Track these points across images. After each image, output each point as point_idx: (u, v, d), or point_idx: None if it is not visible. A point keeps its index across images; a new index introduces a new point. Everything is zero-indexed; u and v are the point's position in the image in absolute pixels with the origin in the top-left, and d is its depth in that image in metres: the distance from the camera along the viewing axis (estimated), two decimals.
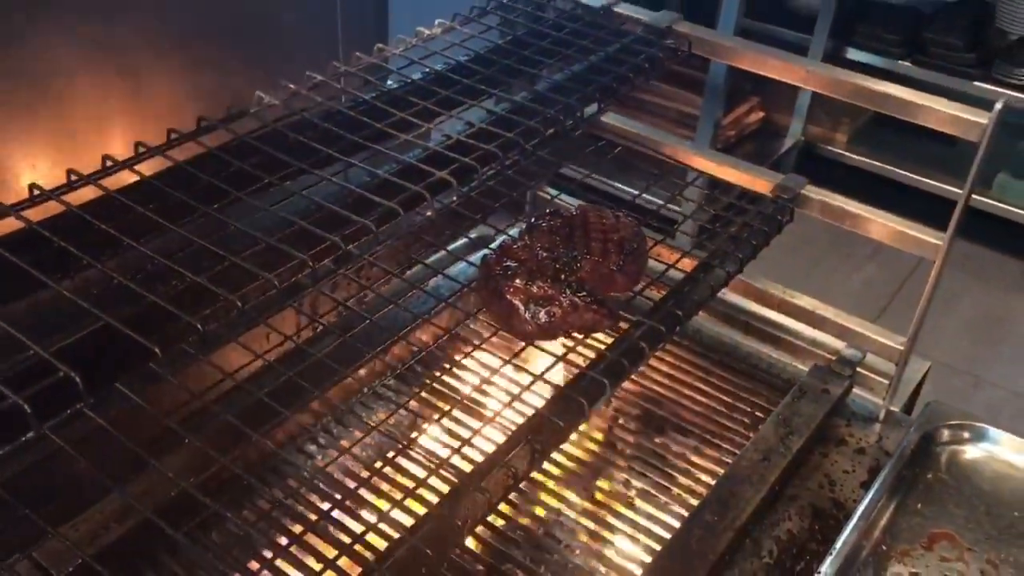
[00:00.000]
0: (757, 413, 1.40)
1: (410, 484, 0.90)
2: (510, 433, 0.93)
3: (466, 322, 1.11)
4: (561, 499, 1.26)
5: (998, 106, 1.09)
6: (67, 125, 1.11)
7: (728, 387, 1.44)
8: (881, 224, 1.26)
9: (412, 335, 1.35)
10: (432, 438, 1.26)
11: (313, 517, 1.00)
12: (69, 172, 0.92)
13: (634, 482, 1.29)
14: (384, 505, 0.92)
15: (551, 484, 1.27)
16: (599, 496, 1.26)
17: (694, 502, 1.26)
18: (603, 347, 1.02)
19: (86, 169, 0.93)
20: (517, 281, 1.01)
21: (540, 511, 1.23)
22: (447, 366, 1.42)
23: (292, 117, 1.05)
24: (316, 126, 1.04)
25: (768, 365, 1.46)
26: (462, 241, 1.44)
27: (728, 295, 1.45)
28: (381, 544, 0.89)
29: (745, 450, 1.24)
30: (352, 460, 1.25)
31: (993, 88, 3.17)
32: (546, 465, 1.28)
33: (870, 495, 1.12)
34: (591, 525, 1.22)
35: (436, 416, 1.29)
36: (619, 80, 1.19)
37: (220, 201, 0.91)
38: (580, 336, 1.03)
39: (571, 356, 1.02)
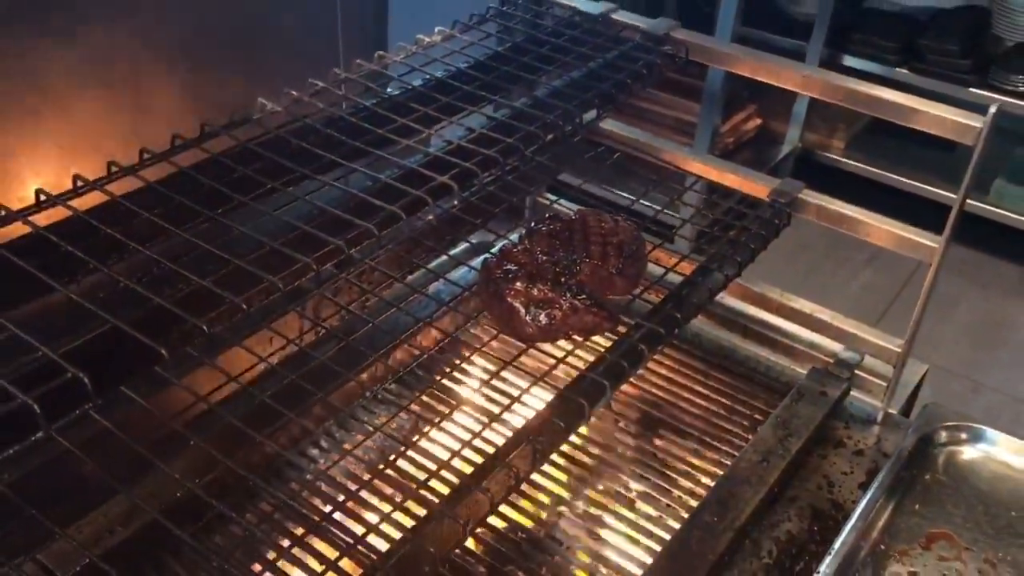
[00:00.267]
0: (756, 416, 1.41)
1: (412, 486, 0.91)
2: (511, 434, 0.94)
3: (467, 326, 1.12)
4: (562, 501, 1.26)
5: (992, 110, 1.10)
6: (71, 132, 1.12)
7: (727, 390, 1.45)
8: (877, 227, 1.27)
9: (413, 339, 1.36)
10: (433, 441, 1.27)
11: (315, 519, 1.01)
12: (75, 178, 0.93)
13: (634, 484, 1.30)
14: (386, 507, 0.93)
15: (552, 486, 1.28)
16: (599, 498, 1.27)
17: (694, 504, 1.27)
18: (603, 349, 1.03)
19: (91, 175, 0.94)
20: (517, 284, 1.02)
21: (541, 513, 1.24)
22: (448, 369, 1.43)
23: (294, 123, 1.06)
24: (318, 132, 1.05)
25: (766, 368, 1.47)
26: (463, 246, 1.44)
27: (726, 299, 1.46)
28: (383, 545, 0.91)
29: (744, 452, 1.25)
30: (354, 462, 1.26)
31: (989, 94, 3.18)
32: (547, 468, 1.29)
33: (868, 496, 1.13)
34: (592, 527, 1.23)
35: (437, 419, 1.30)
36: (618, 86, 1.20)
37: (224, 206, 0.92)
38: (580, 338, 1.04)
39: (571, 358, 1.03)
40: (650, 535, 1.23)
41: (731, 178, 1.35)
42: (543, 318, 1.01)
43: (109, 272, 0.82)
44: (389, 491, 1.19)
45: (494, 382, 1.07)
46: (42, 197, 0.90)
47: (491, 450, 0.94)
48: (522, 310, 1.01)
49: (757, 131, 3.52)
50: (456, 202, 1.16)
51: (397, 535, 0.86)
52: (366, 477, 1.09)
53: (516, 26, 1.32)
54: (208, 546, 1.09)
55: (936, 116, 1.18)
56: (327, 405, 1.22)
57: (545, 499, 1.27)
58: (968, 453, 1.23)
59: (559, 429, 0.93)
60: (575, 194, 1.37)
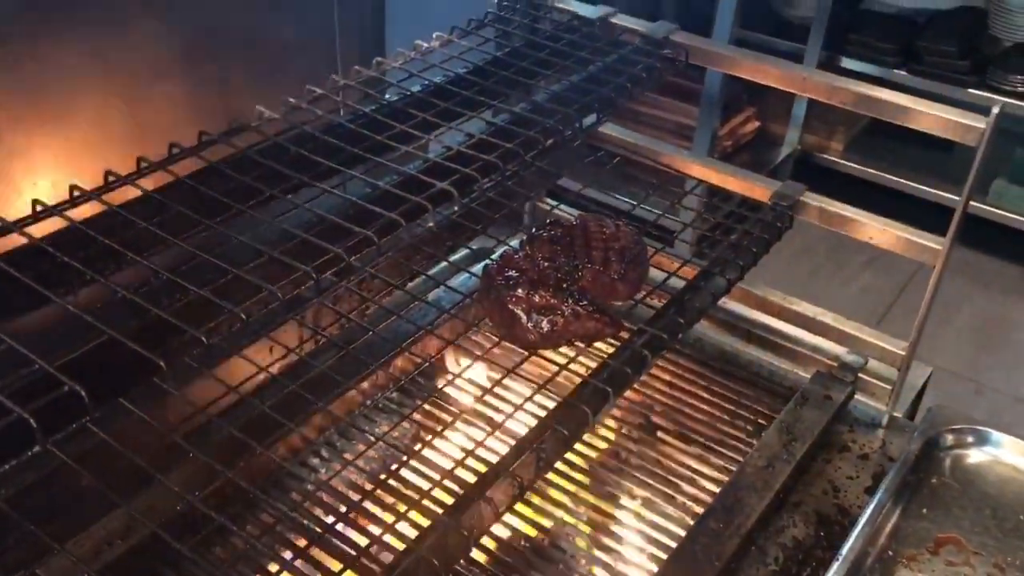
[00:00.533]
0: (760, 420, 1.40)
1: (415, 496, 0.90)
2: (514, 443, 0.93)
3: (468, 333, 1.11)
4: (565, 509, 1.25)
5: (995, 110, 1.10)
6: (68, 142, 1.11)
7: (730, 395, 1.44)
8: (880, 230, 1.26)
9: (414, 347, 1.35)
10: (436, 449, 1.26)
11: (318, 530, 1.00)
12: (72, 188, 0.92)
13: (638, 491, 1.29)
14: (389, 517, 0.92)
15: (555, 494, 1.27)
16: (603, 505, 1.26)
17: (699, 510, 1.26)
18: (606, 356, 1.02)
19: (87, 185, 0.93)
20: (519, 291, 1.01)
21: (544, 521, 1.23)
22: (450, 377, 1.42)
23: (293, 130, 1.05)
24: (317, 139, 1.04)
25: (769, 372, 1.46)
26: (463, 252, 1.44)
27: (729, 303, 1.45)
28: (386, 556, 0.89)
29: (749, 457, 1.24)
30: (356, 472, 1.25)
31: (988, 95, 3.18)
32: (550, 475, 1.28)
33: (875, 500, 1.12)
34: (596, 534, 1.22)
35: (439, 427, 1.29)
36: (617, 90, 1.20)
37: (222, 214, 0.91)
38: (582, 345, 1.03)
39: (574, 365, 1.02)
40: (655, 542, 1.22)
41: (732, 181, 1.34)
42: (545, 324, 1.00)
43: (106, 283, 0.81)
44: (391, 500, 1.18)
45: (497, 389, 1.05)
46: (39, 208, 0.89)
47: (494, 459, 0.93)
48: (524, 317, 1.00)
49: (756, 134, 3.52)
50: (456, 208, 1.16)
51: (401, 546, 0.85)
52: (369, 487, 1.08)
53: (514, 31, 1.31)
54: (209, 559, 1.07)
55: (938, 117, 1.17)
56: (328, 414, 1.21)
57: (549, 507, 1.25)
58: (975, 456, 1.22)
59: (562, 437, 0.92)
60: (574, 199, 1.36)
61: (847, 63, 3.42)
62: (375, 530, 0.90)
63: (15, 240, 0.85)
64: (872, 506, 1.12)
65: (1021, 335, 3.08)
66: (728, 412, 1.41)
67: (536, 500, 1.25)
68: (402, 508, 0.89)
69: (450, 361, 1.46)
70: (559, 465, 1.28)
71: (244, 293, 0.81)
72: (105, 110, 1.15)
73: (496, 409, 1.35)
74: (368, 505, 1.13)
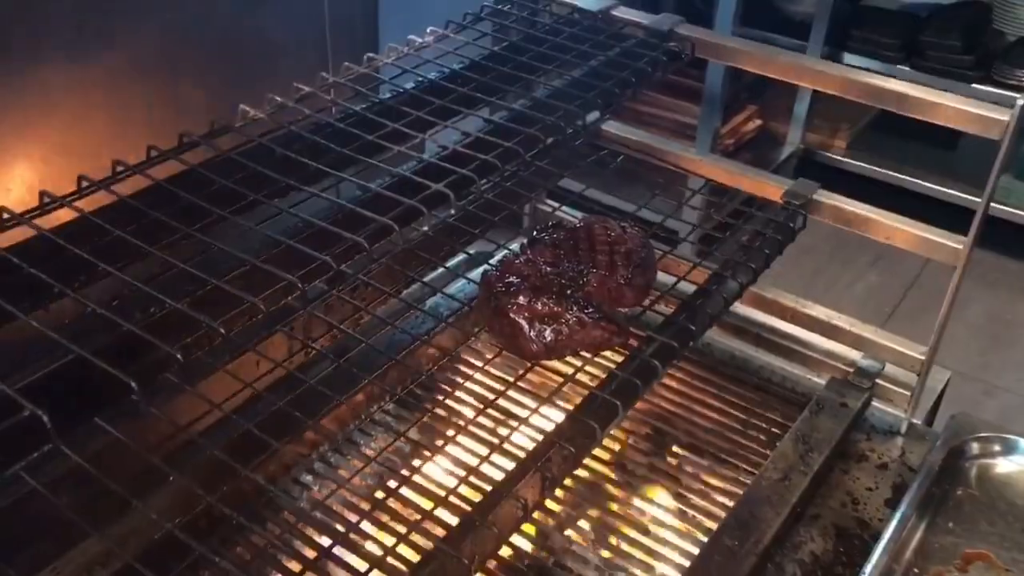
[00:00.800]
0: (772, 429, 1.34)
1: (414, 516, 0.85)
2: (518, 460, 0.87)
3: (467, 343, 1.05)
4: (570, 525, 1.19)
5: (1020, 102, 1.04)
6: (42, 145, 1.05)
7: (741, 402, 1.39)
8: (898, 229, 1.21)
9: (411, 358, 1.29)
10: (436, 466, 1.20)
11: (313, 554, 0.94)
12: (42, 194, 0.86)
13: (646, 505, 1.24)
14: (388, 539, 0.87)
15: (559, 509, 1.21)
16: (610, 520, 1.20)
17: (710, 524, 1.20)
18: (613, 366, 0.97)
19: (62, 192, 0.87)
20: (520, 298, 0.95)
21: (548, 538, 1.17)
22: (449, 389, 1.36)
23: (279, 131, 1.00)
24: (304, 140, 0.98)
25: (781, 378, 1.40)
26: (460, 257, 1.38)
27: (738, 306, 1.39)
28: None
29: (764, 469, 1.19)
30: (351, 492, 1.19)
31: (993, 90, 3.13)
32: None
33: (899, 514, 1.07)
34: (603, 553, 1.16)
35: (440, 442, 1.23)
36: (621, 85, 1.14)
37: (202, 221, 0.86)
38: (589, 355, 0.97)
39: (580, 376, 0.96)
40: (666, 560, 1.16)
41: (743, 180, 1.28)
42: (549, 334, 0.95)
43: (76, 296, 0.75)
44: (387, 518, 1.12)
45: (499, 403, 1.00)
46: (5, 215, 0.83)
47: (498, 475, 0.87)
48: (526, 326, 0.95)
49: (757, 132, 3.46)
50: (453, 211, 1.10)
51: (404, 567, 0.79)
52: (365, 506, 1.02)
53: (512, 25, 1.26)
54: None
55: (960, 110, 1.12)
56: (321, 429, 1.15)
57: (553, 523, 1.20)
58: (1002, 466, 1.16)
59: (569, 454, 0.86)
60: (575, 200, 1.31)
61: (849, 59, 3.37)
62: (375, 550, 0.85)
63: None
64: (896, 520, 1.06)
65: None
66: (739, 421, 1.36)
67: (538, 516, 1.19)
68: (401, 530, 0.83)
69: (448, 373, 1.40)
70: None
71: (225, 305, 0.75)
72: (81, 113, 1.09)
73: (499, 422, 1.29)
74: (366, 526, 1.07)
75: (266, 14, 1.29)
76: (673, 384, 1.41)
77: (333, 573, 0.93)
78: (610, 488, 1.25)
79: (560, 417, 0.91)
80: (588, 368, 0.99)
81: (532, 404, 0.94)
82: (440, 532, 0.83)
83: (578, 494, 1.24)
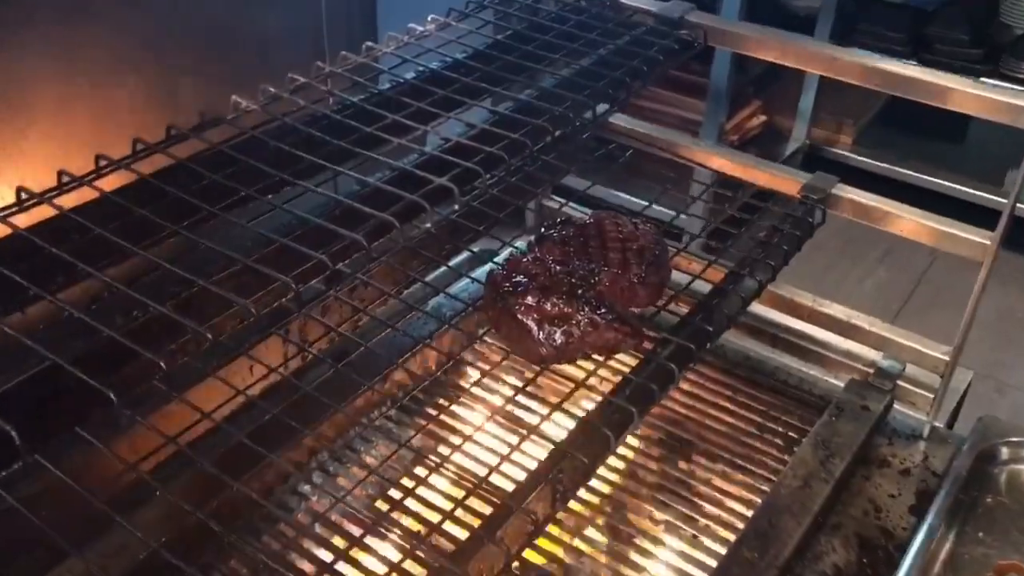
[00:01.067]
0: (790, 433, 1.29)
1: (419, 528, 0.80)
2: (528, 471, 0.82)
3: (472, 346, 1.00)
4: (580, 535, 1.14)
5: None
6: (23, 139, 1.00)
7: (757, 405, 1.33)
8: (920, 224, 1.16)
9: (412, 361, 1.24)
10: (442, 475, 1.15)
11: (313, 569, 0.89)
12: (19, 190, 0.81)
13: (659, 514, 1.18)
14: (392, 553, 0.82)
15: (569, 519, 1.16)
16: (622, 531, 1.15)
17: (724, 534, 1.15)
18: (627, 369, 0.91)
19: (42, 186, 0.82)
20: (528, 298, 0.90)
21: (557, 549, 1.12)
22: (454, 395, 1.30)
23: (272, 123, 0.94)
24: (299, 132, 0.93)
25: (799, 380, 1.35)
26: (464, 256, 1.33)
27: (752, 305, 1.34)
28: None
29: (783, 476, 1.13)
30: (352, 501, 1.14)
31: (1001, 83, 3.08)
32: None
33: (926, 524, 1.01)
34: (615, 565, 1.11)
35: (446, 451, 1.18)
36: (632, 74, 1.09)
37: (190, 218, 0.80)
38: (601, 358, 0.92)
39: (592, 381, 0.91)
40: (680, 572, 1.11)
41: (758, 174, 1.23)
42: (559, 336, 0.90)
43: (52, 299, 0.69)
44: (391, 532, 1.07)
45: (507, 409, 0.95)
46: None
47: (508, 486, 0.82)
48: (535, 328, 0.89)
49: (762, 128, 3.41)
50: (456, 207, 1.05)
51: None
52: (366, 518, 0.97)
53: (516, 12, 1.21)
54: None
55: (986, 99, 1.07)
56: (319, 437, 1.10)
57: (562, 534, 1.14)
58: None
59: (582, 465, 0.81)
60: (580, 197, 1.25)
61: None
62: (378, 568, 0.81)
63: None
64: (924, 530, 1.01)
65: None
66: (755, 425, 1.30)
67: (548, 527, 1.14)
68: (405, 544, 0.78)
69: (453, 377, 1.34)
70: None
71: (213, 308, 0.70)
72: (66, 103, 1.04)
73: (507, 429, 1.24)
74: (369, 540, 1.02)
75: (261, 4, 1.24)
76: (685, 386, 1.36)
77: None
78: (621, 496, 1.20)
79: (571, 424, 0.86)
80: (601, 372, 0.93)
81: (542, 410, 0.89)
82: (447, 545, 0.79)
83: (588, 504, 1.19)
